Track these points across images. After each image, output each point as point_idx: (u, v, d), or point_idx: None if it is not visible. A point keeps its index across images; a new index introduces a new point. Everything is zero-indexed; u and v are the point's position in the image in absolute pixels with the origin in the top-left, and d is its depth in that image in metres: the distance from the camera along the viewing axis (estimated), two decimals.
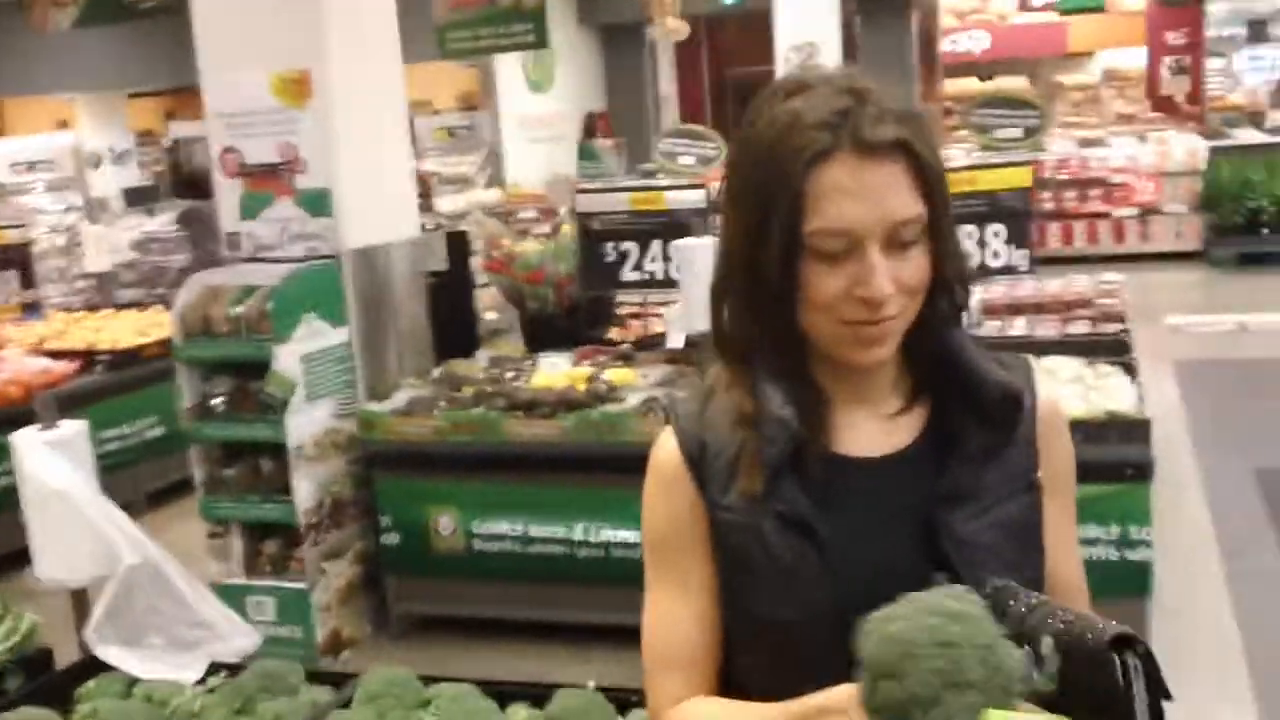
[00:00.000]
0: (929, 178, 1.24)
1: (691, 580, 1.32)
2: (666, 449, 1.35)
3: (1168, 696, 1.07)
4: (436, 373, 5.25)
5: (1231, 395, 7.38)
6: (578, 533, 4.57)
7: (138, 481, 6.89)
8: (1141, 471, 3.83)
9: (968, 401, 1.30)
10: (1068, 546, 1.40)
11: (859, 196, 1.20)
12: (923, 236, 1.24)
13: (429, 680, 2.22)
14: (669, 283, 5.02)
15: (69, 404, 5.08)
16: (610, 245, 4.94)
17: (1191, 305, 9.97)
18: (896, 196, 1.22)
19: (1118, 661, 1.05)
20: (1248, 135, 12.69)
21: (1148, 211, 12.10)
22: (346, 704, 2.15)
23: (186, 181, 14.45)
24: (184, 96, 14.81)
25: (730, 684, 1.33)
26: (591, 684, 2.12)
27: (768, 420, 1.27)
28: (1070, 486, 1.40)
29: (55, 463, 2.36)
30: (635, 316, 6.21)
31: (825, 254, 1.22)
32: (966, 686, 1.06)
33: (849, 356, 1.27)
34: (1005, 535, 1.28)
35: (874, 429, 1.33)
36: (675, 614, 1.33)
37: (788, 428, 1.26)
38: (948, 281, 1.29)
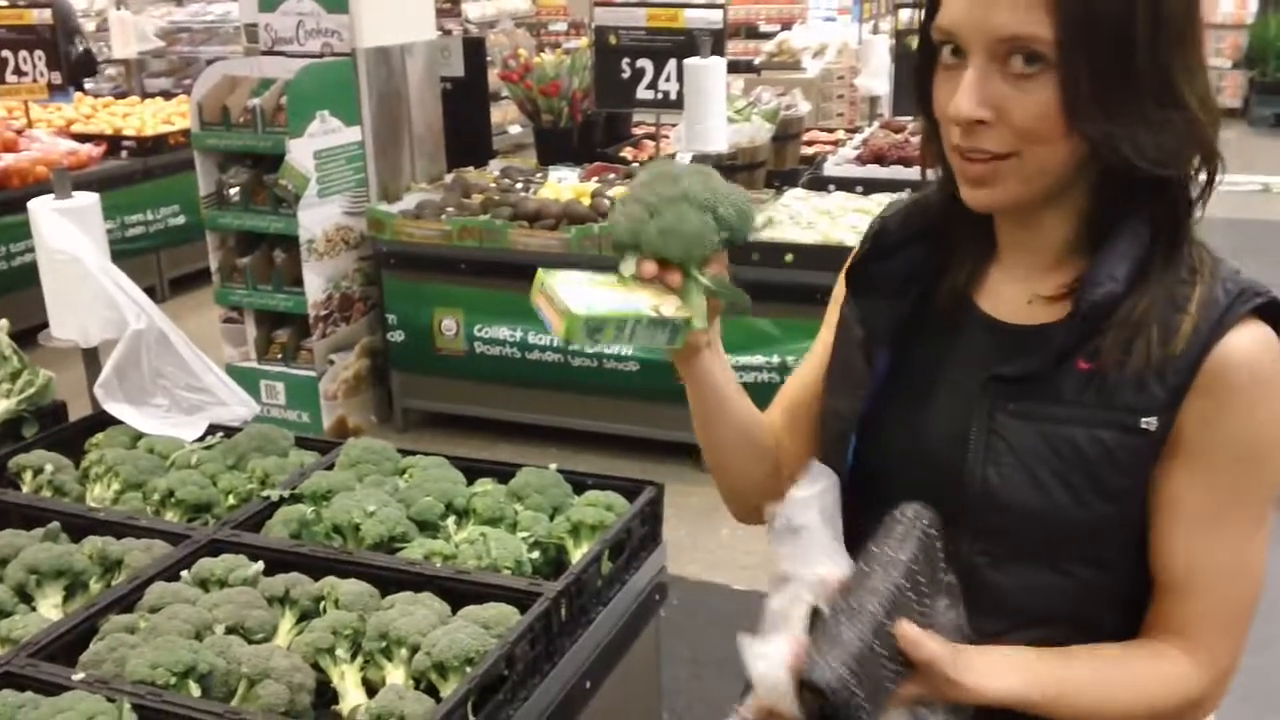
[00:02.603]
0: None
1: (818, 345, 1.38)
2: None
3: None
4: (448, 179, 5.36)
5: (1241, 255, 7.38)
6: None
7: (161, 267, 7.12)
8: None
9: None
10: (1206, 533, 1.13)
11: None
12: (1049, 70, 1.03)
13: (406, 453, 2.41)
14: (682, 103, 5.05)
15: (95, 188, 5.21)
16: (626, 62, 4.96)
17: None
18: (1005, 7, 1.02)
19: (805, 697, 1.04)
20: None
21: None
22: (330, 467, 2.35)
23: None
24: None
25: None
26: (553, 466, 2.30)
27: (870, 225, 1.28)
28: (1231, 470, 1.11)
29: (68, 230, 2.52)
30: (651, 137, 6.25)
31: (943, 61, 1.10)
32: (681, 197, 1.19)
33: (961, 192, 1.14)
34: (1052, 456, 1.11)
35: (1017, 292, 1.20)
36: (799, 366, 1.41)
37: (871, 231, 1.27)
38: (1095, 139, 1.05)
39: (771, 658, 1.06)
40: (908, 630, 1.05)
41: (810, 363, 1.39)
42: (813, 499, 1.14)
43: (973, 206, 1.14)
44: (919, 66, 1.15)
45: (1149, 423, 1.09)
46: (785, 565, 1.13)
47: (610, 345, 1.17)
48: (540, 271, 1.21)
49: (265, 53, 4.95)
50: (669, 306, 1.18)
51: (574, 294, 1.17)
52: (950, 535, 1.15)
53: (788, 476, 1.36)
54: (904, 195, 1.38)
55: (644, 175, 1.23)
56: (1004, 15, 1.02)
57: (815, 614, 1.08)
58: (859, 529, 1.28)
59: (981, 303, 1.23)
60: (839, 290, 1.37)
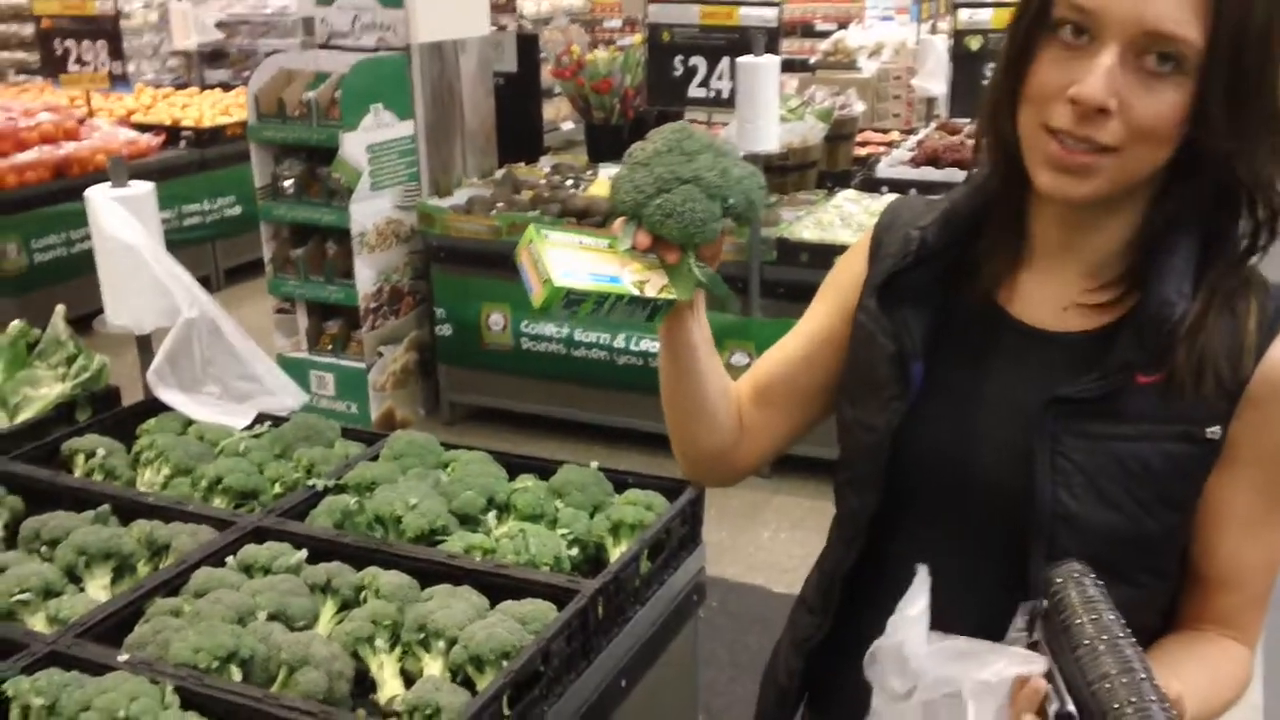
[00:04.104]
0: (1224, 4, 1.00)
1: (807, 325, 1.37)
2: (875, 220, 1.34)
3: None
4: (499, 174, 5.39)
5: None
6: (619, 340, 4.76)
7: (216, 257, 7.22)
8: None
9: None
10: (1251, 533, 1.17)
11: None
12: (1187, 78, 1.03)
13: (450, 447, 2.43)
14: (734, 102, 5.03)
15: (153, 177, 5.29)
16: (679, 59, 4.94)
17: None
18: (1164, 1, 1.01)
19: None
20: None
21: None
22: (375, 459, 2.37)
23: None
24: None
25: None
26: (594, 464, 2.31)
27: (905, 236, 1.24)
28: (1277, 475, 1.16)
29: (124, 218, 2.56)
30: None
31: (1064, 39, 1.06)
32: (693, 179, 1.15)
33: (1038, 176, 1.10)
34: (1121, 474, 1.11)
35: (1056, 297, 1.19)
36: (784, 338, 1.40)
37: (909, 244, 1.23)
38: (1209, 160, 1.06)
39: None
40: (1175, 688, 1.00)
41: (791, 344, 1.39)
42: (923, 614, 1.07)
43: (1051, 194, 1.10)
44: (1023, 36, 1.10)
45: (1214, 432, 1.11)
46: (944, 682, 1.04)
47: (585, 318, 1.14)
48: (531, 227, 1.18)
49: (321, 46, 5.01)
50: (654, 286, 1.16)
51: (559, 260, 1.13)
52: (1020, 559, 1.14)
53: (745, 448, 1.39)
54: (908, 196, 1.38)
55: (659, 141, 1.19)
56: (1161, 9, 1.00)
57: (1064, 717, 0.99)
58: (887, 544, 1.27)
59: (1010, 307, 1.22)
60: (834, 279, 1.37)
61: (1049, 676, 1.02)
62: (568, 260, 1.14)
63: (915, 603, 1.07)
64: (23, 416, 2.61)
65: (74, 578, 2.02)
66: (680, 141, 1.18)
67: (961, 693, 1.03)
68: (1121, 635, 0.99)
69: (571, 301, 1.13)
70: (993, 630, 1.11)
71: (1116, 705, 0.94)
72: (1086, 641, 0.99)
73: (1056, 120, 1.06)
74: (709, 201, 1.16)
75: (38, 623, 1.89)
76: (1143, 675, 0.96)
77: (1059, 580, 1.05)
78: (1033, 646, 1.06)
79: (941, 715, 1.04)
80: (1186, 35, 1.01)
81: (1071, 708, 0.98)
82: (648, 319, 1.19)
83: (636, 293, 1.15)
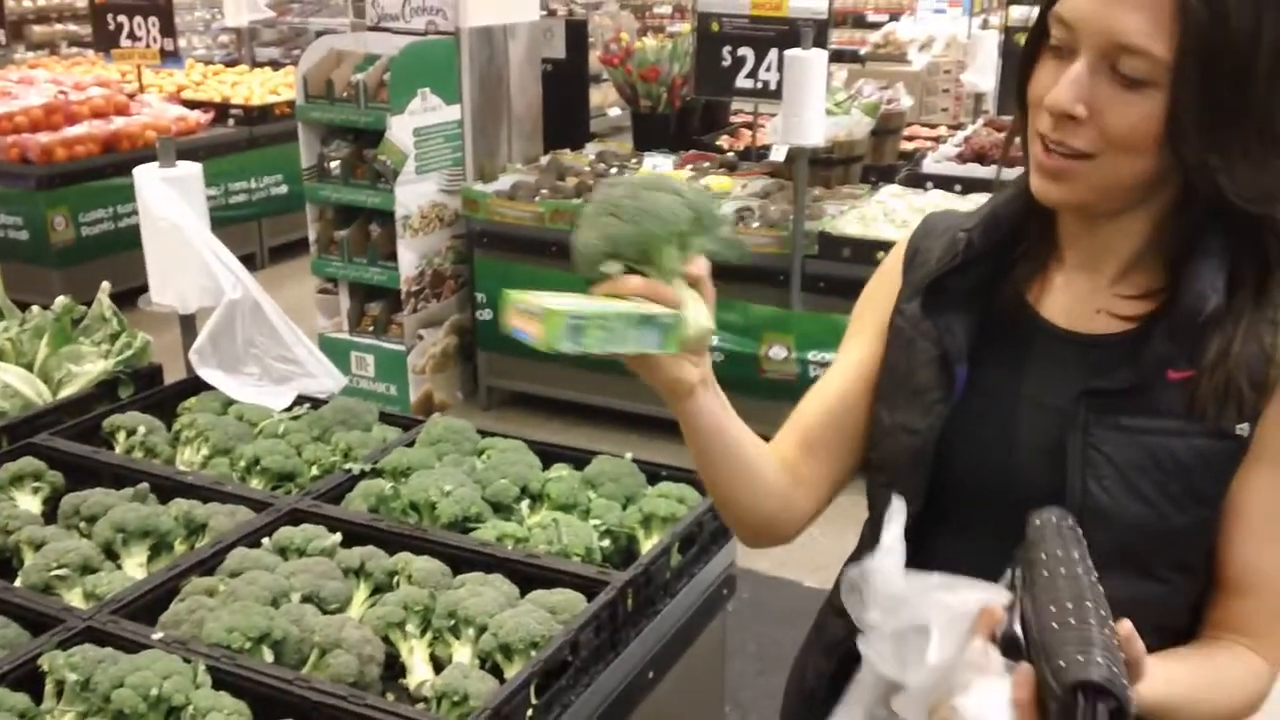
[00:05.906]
0: (1190, 19, 1.01)
1: (847, 358, 1.35)
2: (903, 238, 1.35)
3: None
4: (544, 160, 5.39)
5: None
6: None
7: (262, 235, 7.28)
8: None
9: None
10: (1271, 535, 1.16)
11: None
12: (1158, 87, 1.04)
13: (486, 434, 2.43)
14: (781, 93, 5.00)
15: (202, 154, 5.35)
16: (727, 49, 4.91)
17: None
18: (1130, 14, 1.02)
19: (1080, 705, 0.92)
20: None
21: None
22: (411, 444, 2.38)
23: None
24: None
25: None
26: (629, 455, 2.31)
27: (953, 238, 1.25)
28: None
29: (171, 198, 2.58)
30: (749, 126, 6.21)
31: (1053, 47, 1.10)
32: (668, 218, 1.13)
33: (1031, 179, 1.14)
34: (1152, 466, 1.12)
35: (1085, 301, 1.21)
36: (822, 380, 1.37)
37: (955, 246, 1.23)
38: (1190, 173, 1.07)
39: (991, 699, 0.97)
40: (1128, 627, 0.99)
41: (832, 384, 1.35)
42: (899, 544, 1.07)
43: (1040, 199, 1.14)
44: (1028, 45, 1.14)
45: (1243, 429, 1.12)
46: (915, 613, 1.04)
47: (597, 351, 1.10)
48: (507, 292, 1.14)
49: (371, 28, 5.03)
50: (654, 308, 1.12)
51: (551, 298, 1.09)
52: None
53: (802, 502, 1.36)
54: (943, 211, 1.38)
55: (598, 195, 1.17)
56: (1127, 22, 1.02)
57: (1009, 641, 0.99)
58: (930, 546, 1.26)
59: (1044, 310, 1.23)
60: (866, 306, 1.36)
61: (1009, 606, 1.03)
62: (558, 297, 1.11)
63: (889, 533, 1.08)
64: (65, 392, 2.64)
65: (111, 554, 2.04)
66: (615, 183, 1.18)
67: (929, 623, 1.04)
68: (1081, 570, 1.00)
69: (575, 329, 1.07)
70: None
71: (1056, 625, 0.96)
72: (1045, 573, 1.01)
73: (1040, 125, 1.11)
74: (667, 195, 1.14)
75: (75, 598, 1.91)
76: (1090, 603, 0.97)
77: (1036, 522, 1.07)
78: (1011, 587, 1.07)
79: (911, 644, 1.05)
80: (1150, 48, 1.02)
81: (1017, 628, 0.99)
82: (660, 345, 1.13)
83: (639, 310, 1.10)
